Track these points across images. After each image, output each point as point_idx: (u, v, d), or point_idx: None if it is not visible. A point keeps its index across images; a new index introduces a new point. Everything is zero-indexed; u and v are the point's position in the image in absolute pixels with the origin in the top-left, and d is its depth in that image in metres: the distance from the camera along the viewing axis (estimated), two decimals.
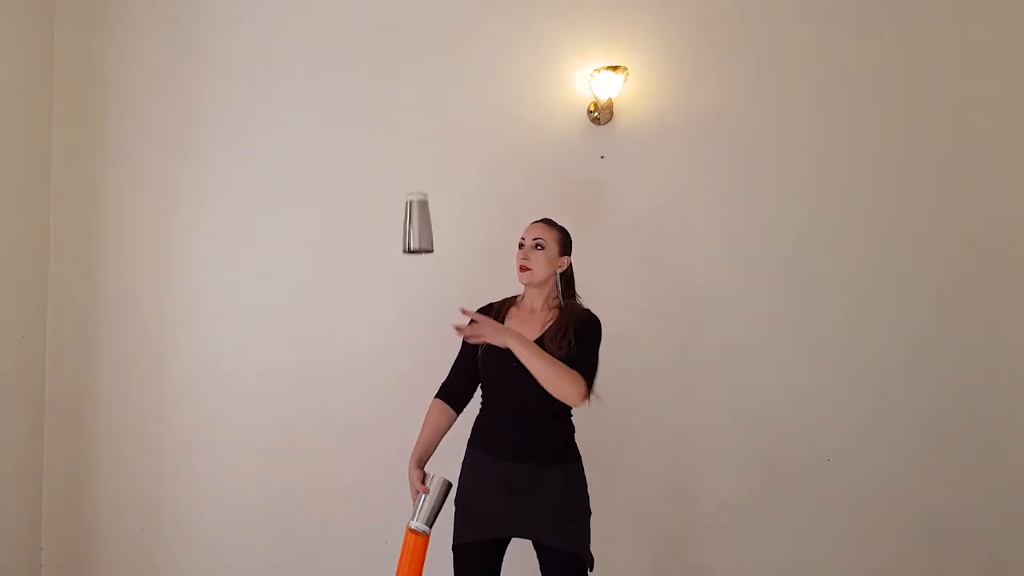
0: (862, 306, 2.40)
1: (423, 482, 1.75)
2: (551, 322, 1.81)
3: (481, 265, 2.45)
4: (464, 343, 1.87)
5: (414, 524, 1.71)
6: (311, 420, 2.57)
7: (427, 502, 1.73)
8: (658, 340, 2.46)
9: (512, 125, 2.52)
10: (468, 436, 1.89)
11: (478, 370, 1.85)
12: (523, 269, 1.83)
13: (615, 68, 2.36)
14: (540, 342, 1.75)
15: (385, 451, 2.52)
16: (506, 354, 1.70)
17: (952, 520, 2.36)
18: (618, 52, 2.47)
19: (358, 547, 2.55)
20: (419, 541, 1.71)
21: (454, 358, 1.92)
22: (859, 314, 2.40)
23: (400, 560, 1.72)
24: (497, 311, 1.89)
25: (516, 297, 1.94)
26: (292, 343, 2.59)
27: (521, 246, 1.86)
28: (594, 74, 2.39)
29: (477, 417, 1.90)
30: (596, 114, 2.46)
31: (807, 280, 2.42)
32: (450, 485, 1.78)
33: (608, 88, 2.39)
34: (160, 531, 2.64)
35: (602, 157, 2.49)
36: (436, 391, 1.90)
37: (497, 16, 2.54)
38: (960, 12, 2.40)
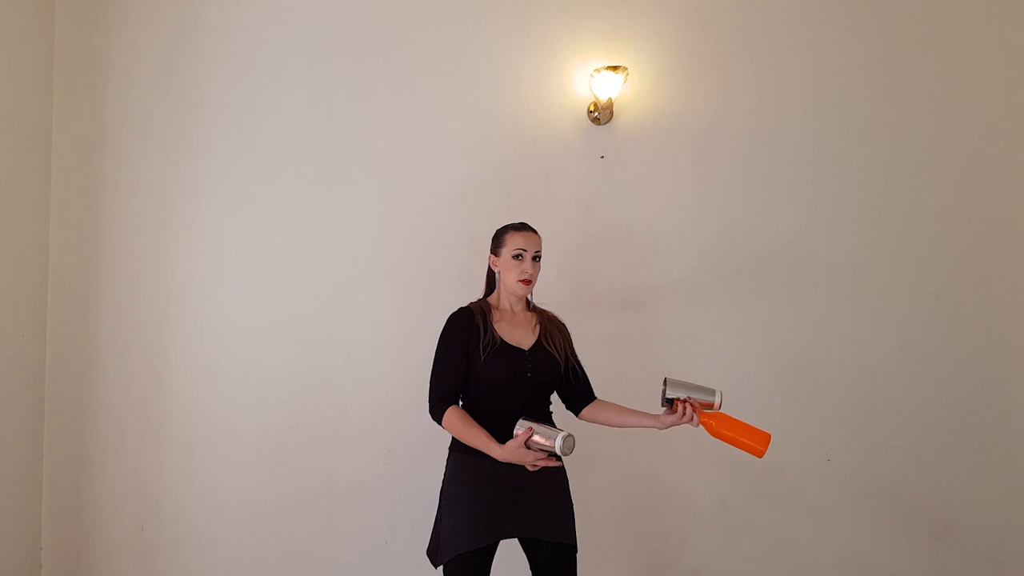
0: (862, 306, 2.40)
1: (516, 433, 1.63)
2: (536, 326, 1.87)
3: (480, 265, 2.45)
4: (449, 348, 1.78)
5: (562, 439, 1.57)
6: (310, 420, 2.57)
7: (541, 430, 1.60)
8: (656, 339, 2.46)
9: (512, 125, 2.52)
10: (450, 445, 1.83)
11: (476, 377, 1.77)
12: (527, 282, 1.80)
13: (615, 68, 2.36)
14: (538, 346, 1.82)
15: (384, 451, 2.52)
16: (517, 363, 1.75)
17: (952, 520, 2.36)
18: (618, 52, 2.47)
19: (357, 546, 2.55)
20: None
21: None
22: (859, 314, 2.40)
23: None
24: (480, 317, 1.80)
25: (483, 301, 1.88)
26: (292, 343, 2.59)
27: (519, 256, 1.80)
28: (594, 74, 2.39)
29: None
30: (596, 114, 2.46)
31: (806, 279, 2.42)
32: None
33: (608, 88, 2.39)
34: (160, 531, 2.64)
35: (602, 157, 2.49)
36: (442, 402, 1.76)
37: (497, 16, 2.54)
38: (960, 12, 2.40)
